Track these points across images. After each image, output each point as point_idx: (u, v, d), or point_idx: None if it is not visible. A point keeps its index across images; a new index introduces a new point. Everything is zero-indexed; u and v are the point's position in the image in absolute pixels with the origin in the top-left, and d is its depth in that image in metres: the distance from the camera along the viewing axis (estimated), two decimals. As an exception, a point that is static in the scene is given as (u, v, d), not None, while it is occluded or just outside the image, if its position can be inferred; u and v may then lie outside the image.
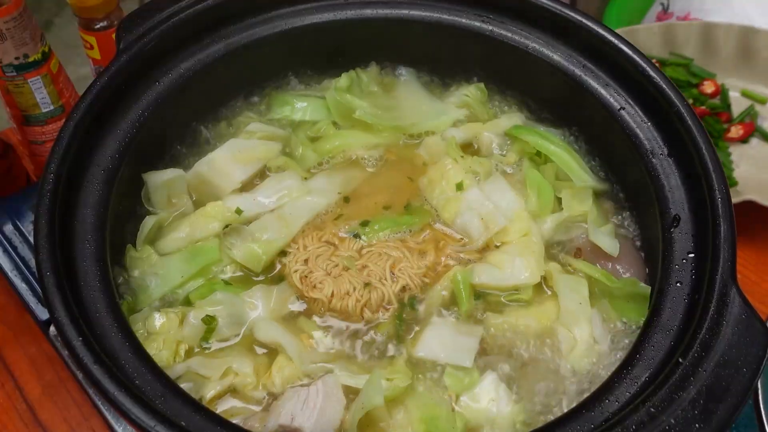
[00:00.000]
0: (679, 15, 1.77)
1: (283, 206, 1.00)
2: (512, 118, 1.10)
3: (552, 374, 0.88)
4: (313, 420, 0.80)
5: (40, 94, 1.20)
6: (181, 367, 0.86)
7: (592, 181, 1.03)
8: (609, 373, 0.85)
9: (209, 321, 0.90)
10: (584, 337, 0.90)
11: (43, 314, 1.06)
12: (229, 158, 1.02)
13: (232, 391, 0.87)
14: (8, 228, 1.13)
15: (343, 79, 1.11)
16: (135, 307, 0.92)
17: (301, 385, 0.85)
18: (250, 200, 1.00)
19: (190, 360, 0.88)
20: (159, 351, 0.87)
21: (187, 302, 0.93)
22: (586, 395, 0.81)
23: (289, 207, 1.00)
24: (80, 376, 1.02)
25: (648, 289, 0.90)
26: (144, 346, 0.80)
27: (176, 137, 1.07)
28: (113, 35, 1.21)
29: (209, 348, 0.90)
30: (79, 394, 1.10)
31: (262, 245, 0.95)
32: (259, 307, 0.92)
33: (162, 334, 0.88)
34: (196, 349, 0.90)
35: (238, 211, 0.98)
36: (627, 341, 0.90)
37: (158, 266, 0.94)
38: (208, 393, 0.85)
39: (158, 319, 0.89)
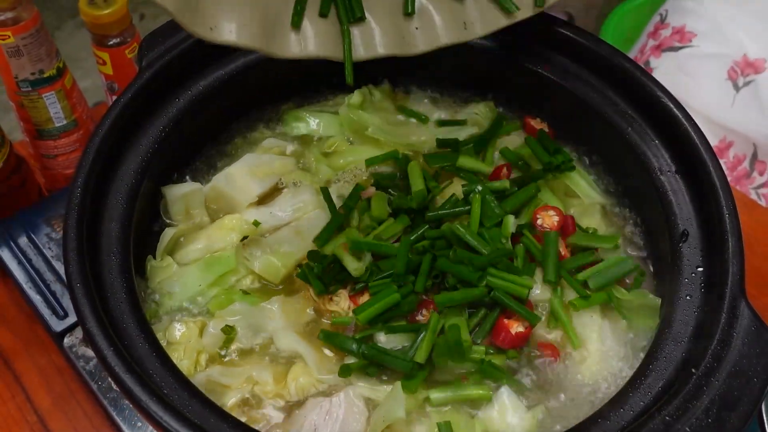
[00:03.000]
0: (675, 26, 1.80)
1: (300, 219, 1.01)
2: (521, 136, 1.12)
3: (564, 384, 0.90)
4: (336, 431, 0.81)
5: (54, 108, 1.22)
6: (201, 376, 0.88)
7: (601, 198, 1.05)
8: (620, 383, 0.87)
9: (228, 331, 0.91)
10: (595, 348, 0.92)
11: (57, 326, 1.07)
12: (246, 172, 1.04)
13: (253, 399, 0.88)
14: (23, 240, 1.13)
15: (356, 96, 1.13)
16: (155, 316, 0.93)
17: (323, 395, 0.86)
18: (266, 213, 1.02)
19: (210, 369, 0.89)
20: (180, 360, 0.88)
21: (207, 312, 0.95)
22: (599, 405, 0.84)
23: (306, 220, 1.01)
24: (95, 388, 1.02)
25: (658, 300, 0.93)
26: (166, 356, 0.81)
27: (194, 151, 1.09)
28: (126, 51, 1.24)
29: (229, 357, 0.91)
30: (90, 406, 1.10)
31: (281, 257, 0.97)
32: (277, 317, 0.93)
33: (182, 343, 0.90)
34: (217, 358, 0.91)
35: (256, 224, 1.00)
36: (637, 352, 0.92)
37: (177, 275, 0.95)
38: (229, 401, 0.86)
39: (178, 329, 0.91)
